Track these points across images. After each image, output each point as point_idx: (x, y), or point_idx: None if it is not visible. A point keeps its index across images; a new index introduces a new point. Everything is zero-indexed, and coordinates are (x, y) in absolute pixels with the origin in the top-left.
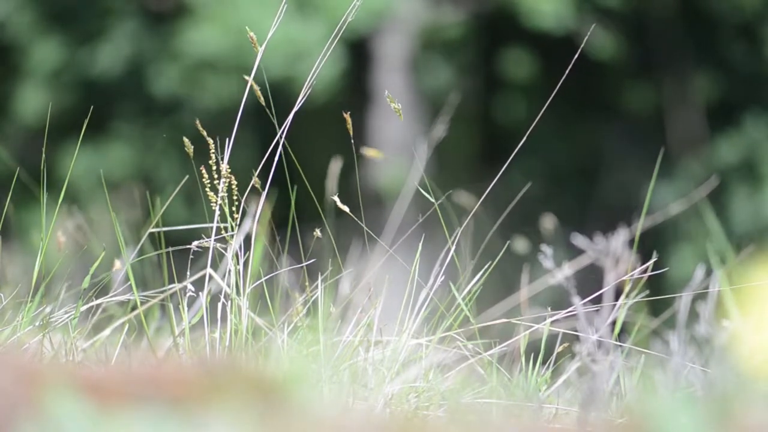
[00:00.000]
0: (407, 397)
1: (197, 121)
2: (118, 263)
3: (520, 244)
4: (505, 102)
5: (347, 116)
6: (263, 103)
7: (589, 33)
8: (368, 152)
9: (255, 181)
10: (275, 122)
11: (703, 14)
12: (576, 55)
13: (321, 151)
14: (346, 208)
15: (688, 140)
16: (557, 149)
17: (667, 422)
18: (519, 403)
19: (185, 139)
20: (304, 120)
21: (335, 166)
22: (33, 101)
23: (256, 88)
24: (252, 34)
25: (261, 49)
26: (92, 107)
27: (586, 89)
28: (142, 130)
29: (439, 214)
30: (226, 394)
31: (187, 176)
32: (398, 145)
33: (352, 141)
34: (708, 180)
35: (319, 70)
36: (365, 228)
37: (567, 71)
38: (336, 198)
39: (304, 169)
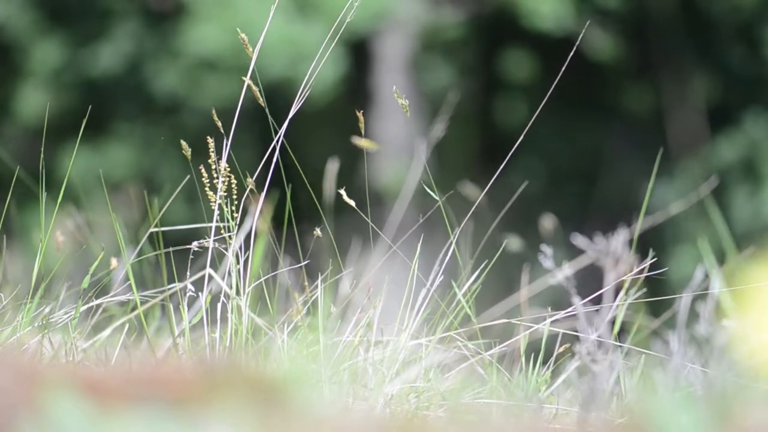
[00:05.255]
0: (407, 397)
1: (213, 111)
2: (114, 261)
3: (518, 243)
4: (505, 103)
5: (360, 114)
6: (262, 103)
7: (588, 33)
8: (361, 143)
9: (251, 182)
10: (272, 123)
11: (702, 15)
12: (571, 53)
13: (323, 152)
14: (352, 202)
15: (687, 140)
16: (557, 149)
17: (667, 422)
18: (519, 403)
19: (183, 143)
20: (306, 121)
21: (333, 166)
22: (34, 101)
23: (255, 88)
24: (243, 35)
25: (256, 50)
26: (90, 107)
27: (585, 90)
28: (142, 130)
29: (443, 211)
30: (226, 394)
31: (188, 176)
32: (399, 146)
33: (363, 138)
34: (708, 180)
35: (318, 72)
36: (370, 222)
37: (563, 69)
38: (342, 191)
39: (305, 170)
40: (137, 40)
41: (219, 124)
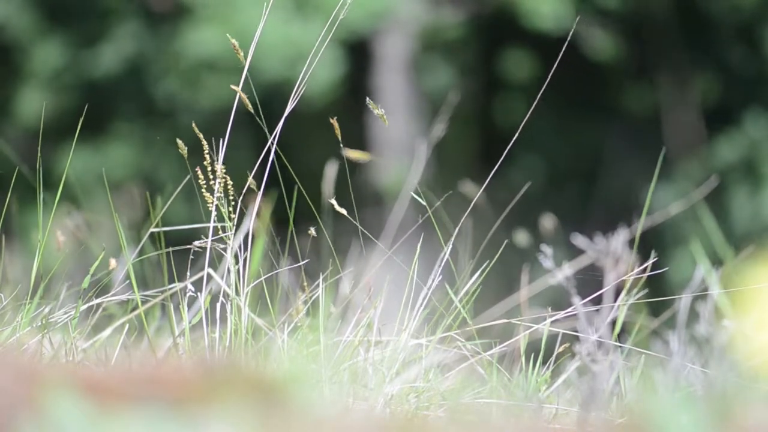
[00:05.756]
0: (407, 397)
1: (193, 124)
2: (113, 262)
3: (521, 239)
4: (505, 103)
5: (334, 121)
6: (251, 110)
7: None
8: (351, 154)
9: (251, 182)
10: (265, 127)
11: (701, 15)
12: (564, 47)
13: (323, 152)
14: (343, 211)
15: (687, 141)
16: (557, 149)
17: (667, 422)
18: (519, 403)
19: (179, 141)
20: (306, 121)
21: (331, 170)
22: (34, 102)
23: (244, 96)
24: (234, 41)
25: (250, 53)
26: (87, 107)
27: (585, 90)
28: (142, 130)
29: (433, 220)
30: (226, 394)
31: (188, 176)
32: (399, 146)
33: (341, 145)
34: (708, 180)
35: (316, 73)
36: (362, 230)
37: (556, 63)
38: (333, 201)
39: (306, 171)
40: (137, 41)
41: (201, 135)
